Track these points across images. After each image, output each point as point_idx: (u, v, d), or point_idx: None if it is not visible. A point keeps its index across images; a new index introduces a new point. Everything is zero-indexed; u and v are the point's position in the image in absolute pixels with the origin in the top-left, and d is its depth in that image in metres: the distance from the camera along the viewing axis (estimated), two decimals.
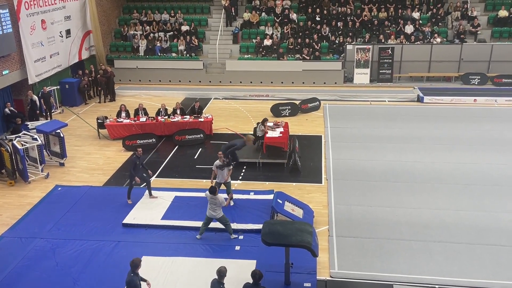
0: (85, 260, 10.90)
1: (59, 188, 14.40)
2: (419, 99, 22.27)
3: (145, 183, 13.53)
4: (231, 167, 13.01)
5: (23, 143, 15.20)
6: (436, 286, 9.97)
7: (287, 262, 9.82)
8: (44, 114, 20.57)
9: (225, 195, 12.86)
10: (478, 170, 14.99)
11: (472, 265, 10.53)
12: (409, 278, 10.18)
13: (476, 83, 23.89)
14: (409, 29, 25.49)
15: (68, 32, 23.45)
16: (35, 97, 19.91)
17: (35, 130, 16.15)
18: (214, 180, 12.82)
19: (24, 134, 15.86)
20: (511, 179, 14.38)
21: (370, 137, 17.81)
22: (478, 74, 23.92)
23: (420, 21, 25.89)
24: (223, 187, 12.91)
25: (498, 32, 25.32)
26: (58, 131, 16.03)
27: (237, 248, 11.23)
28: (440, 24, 26.12)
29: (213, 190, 11.13)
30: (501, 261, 10.64)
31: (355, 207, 12.99)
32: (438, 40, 24.67)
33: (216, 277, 8.58)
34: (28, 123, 17.33)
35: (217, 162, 12.77)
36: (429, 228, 11.91)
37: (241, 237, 11.66)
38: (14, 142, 14.86)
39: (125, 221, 12.36)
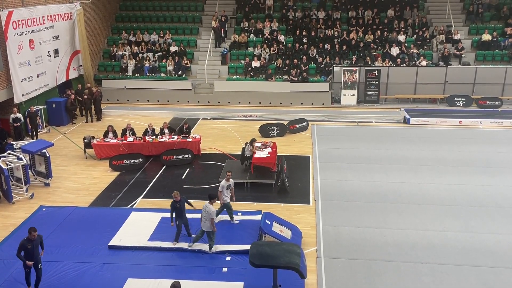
0: (70, 282, 10.68)
1: (44, 209, 14.18)
2: (406, 121, 22.53)
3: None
4: (232, 186, 12.98)
5: (8, 163, 15.00)
6: None
7: (275, 284, 9.74)
8: (30, 133, 20.40)
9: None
10: (464, 191, 15.12)
11: (459, 286, 10.53)
12: None
13: (461, 105, 24.28)
14: (394, 51, 25.94)
15: (56, 51, 23.44)
16: (19, 115, 19.76)
17: (20, 150, 15.97)
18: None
19: (9, 153, 15.67)
20: (497, 200, 14.53)
21: (358, 157, 17.92)
22: (463, 96, 24.33)
23: (406, 44, 26.38)
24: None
25: (482, 55, 25.87)
26: (44, 150, 15.88)
27: (224, 270, 11.10)
28: (425, 47, 26.62)
29: (211, 196, 11.46)
30: (487, 282, 10.66)
31: (343, 228, 12.97)
32: (424, 62, 25.11)
33: None
34: (13, 142, 17.14)
35: (224, 182, 12.77)
36: (416, 249, 11.93)
37: (228, 258, 11.55)
38: None
39: (111, 243, 12.17)
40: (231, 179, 12.88)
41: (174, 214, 11.88)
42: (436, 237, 12.46)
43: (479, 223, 13.21)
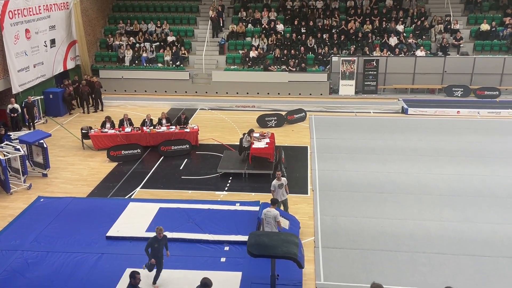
0: (67, 273, 10.71)
1: (42, 200, 14.17)
2: (404, 111, 22.52)
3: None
4: (284, 183, 12.61)
5: (5, 153, 14.97)
6: None
7: (273, 273, 9.77)
8: (27, 124, 20.33)
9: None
10: (461, 182, 15.15)
11: (457, 276, 10.59)
12: None
13: (459, 95, 24.25)
14: (393, 41, 25.84)
15: (52, 41, 23.28)
16: (17, 105, 19.66)
17: (17, 141, 15.92)
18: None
19: (6, 144, 15.63)
20: (494, 190, 14.57)
21: (356, 148, 17.92)
22: (461, 87, 24.29)
23: (404, 34, 26.27)
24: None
25: (480, 45, 25.80)
26: (42, 141, 15.84)
27: (223, 259, 11.15)
28: (424, 37, 26.52)
29: (273, 201, 11.16)
30: (484, 272, 10.72)
31: (341, 218, 13.01)
32: (422, 53, 25.04)
33: None
34: (10, 133, 17.09)
35: (275, 182, 12.50)
36: (413, 239, 11.98)
37: (226, 248, 11.59)
38: None
39: (109, 234, 12.19)
40: (282, 178, 12.60)
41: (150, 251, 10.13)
42: (434, 227, 12.50)
43: (477, 213, 13.26)
